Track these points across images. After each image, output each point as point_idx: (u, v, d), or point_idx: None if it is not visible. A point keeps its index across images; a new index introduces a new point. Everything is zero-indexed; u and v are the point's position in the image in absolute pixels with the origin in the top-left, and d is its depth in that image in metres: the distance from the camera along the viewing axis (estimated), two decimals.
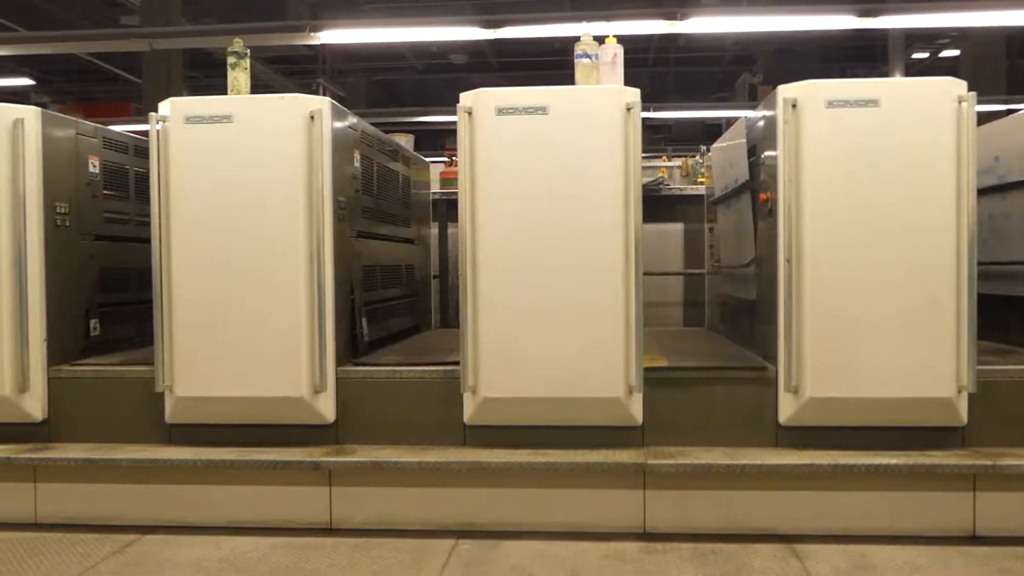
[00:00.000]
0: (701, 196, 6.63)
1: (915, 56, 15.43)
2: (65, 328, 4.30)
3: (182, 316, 3.96)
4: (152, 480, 3.99)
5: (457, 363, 3.98)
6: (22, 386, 4.05)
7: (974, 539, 3.70)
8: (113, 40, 8.04)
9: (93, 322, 4.52)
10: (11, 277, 4.02)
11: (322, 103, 3.99)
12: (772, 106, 3.99)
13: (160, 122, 3.98)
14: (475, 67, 18.29)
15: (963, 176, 3.75)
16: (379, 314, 4.80)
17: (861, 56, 16.76)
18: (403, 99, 19.83)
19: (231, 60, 4.10)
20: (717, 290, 5.65)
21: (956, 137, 3.76)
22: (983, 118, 5.09)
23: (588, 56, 3.99)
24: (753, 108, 4.51)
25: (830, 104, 3.79)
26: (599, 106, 3.87)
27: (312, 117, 3.93)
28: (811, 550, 3.61)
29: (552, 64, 17.54)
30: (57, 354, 4.21)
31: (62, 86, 15.98)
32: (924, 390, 3.76)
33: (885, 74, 15.21)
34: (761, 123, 4.29)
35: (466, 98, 3.92)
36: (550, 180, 3.86)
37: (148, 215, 4.94)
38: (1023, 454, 3.77)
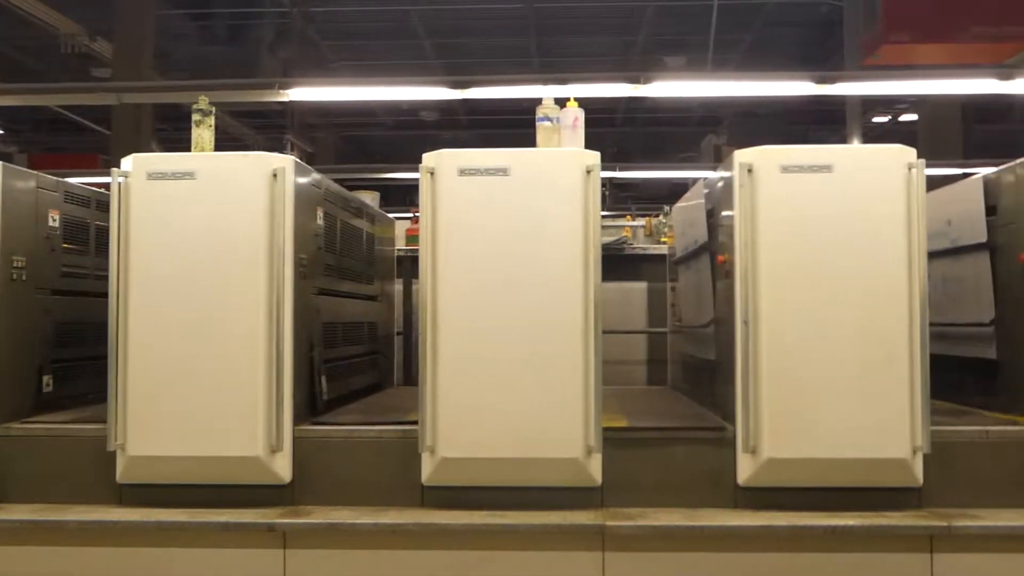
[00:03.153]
0: (664, 255, 6.71)
1: (875, 120, 15.88)
2: (16, 384, 4.22)
3: (137, 373, 3.90)
4: (100, 542, 3.88)
5: (416, 423, 3.95)
6: None
7: None
8: (83, 93, 8.05)
9: (46, 378, 4.44)
10: None
11: (285, 161, 4.01)
12: (730, 169, 4.07)
13: (122, 177, 3.97)
14: (445, 124, 18.54)
15: (914, 239, 3.84)
16: (340, 371, 4.76)
17: (823, 119, 17.22)
18: (373, 154, 19.98)
19: (196, 117, 4.13)
20: (679, 349, 5.68)
21: (907, 202, 3.86)
22: (939, 182, 5.24)
23: (549, 119, 4.07)
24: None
25: (785, 169, 3.89)
26: (559, 168, 3.93)
27: (275, 175, 3.94)
28: None
29: (521, 123, 17.79)
30: (7, 411, 4.12)
31: (30, 136, 15.91)
32: (880, 451, 3.80)
33: (846, 137, 15.64)
34: (719, 186, 4.38)
35: (428, 159, 3.96)
36: (511, 240, 3.89)
37: (108, 269, 4.92)
38: (978, 515, 3.80)
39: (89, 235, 4.91)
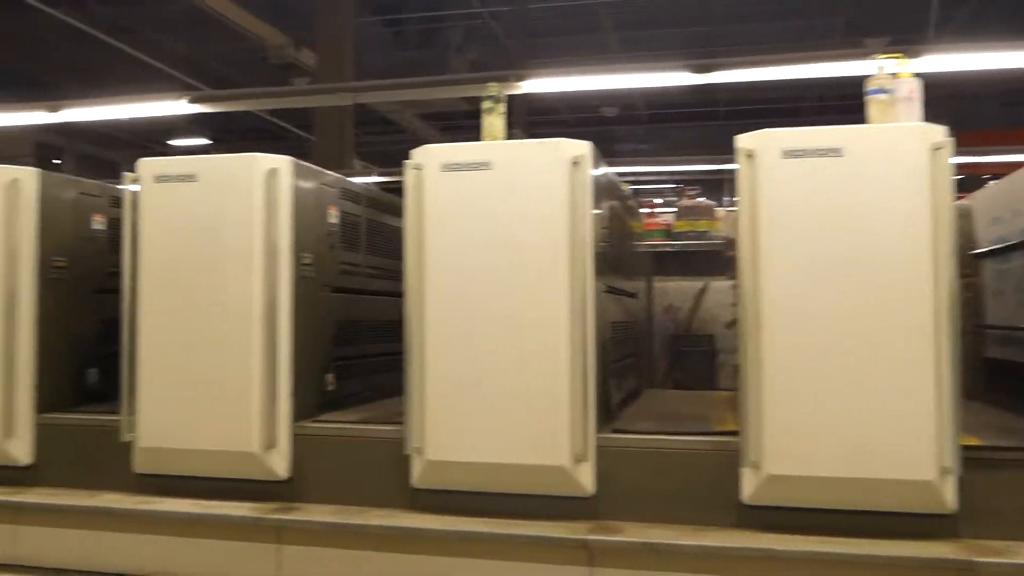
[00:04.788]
0: None
1: None
2: (307, 383, 4.13)
3: (436, 374, 3.71)
4: (398, 548, 3.72)
5: (731, 433, 3.57)
6: (270, 442, 3.89)
7: None
8: (323, 95, 8.29)
9: (329, 376, 4.36)
10: (263, 328, 3.89)
11: (584, 147, 3.73)
12: None
13: (415, 170, 3.81)
14: (624, 119, 18.21)
15: None
16: (617, 375, 4.45)
17: None
18: None
19: (487, 105, 3.92)
20: (983, 355, 5.02)
21: None
22: None
23: (884, 91, 3.59)
24: None
25: None
26: (900, 146, 3.43)
27: (575, 163, 3.67)
28: None
29: (694, 116, 17.23)
30: (302, 410, 4.04)
31: (235, 145, 16.72)
32: None
33: None
34: None
35: (746, 140, 3.57)
36: (845, 229, 3.43)
37: (376, 267, 4.83)
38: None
39: (360, 231, 4.82)
